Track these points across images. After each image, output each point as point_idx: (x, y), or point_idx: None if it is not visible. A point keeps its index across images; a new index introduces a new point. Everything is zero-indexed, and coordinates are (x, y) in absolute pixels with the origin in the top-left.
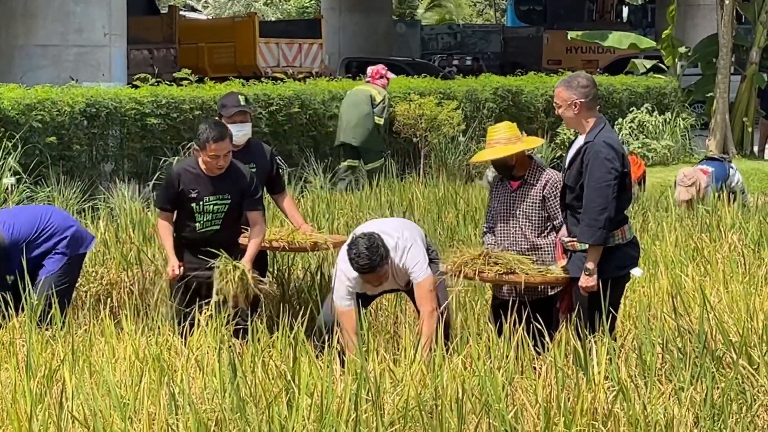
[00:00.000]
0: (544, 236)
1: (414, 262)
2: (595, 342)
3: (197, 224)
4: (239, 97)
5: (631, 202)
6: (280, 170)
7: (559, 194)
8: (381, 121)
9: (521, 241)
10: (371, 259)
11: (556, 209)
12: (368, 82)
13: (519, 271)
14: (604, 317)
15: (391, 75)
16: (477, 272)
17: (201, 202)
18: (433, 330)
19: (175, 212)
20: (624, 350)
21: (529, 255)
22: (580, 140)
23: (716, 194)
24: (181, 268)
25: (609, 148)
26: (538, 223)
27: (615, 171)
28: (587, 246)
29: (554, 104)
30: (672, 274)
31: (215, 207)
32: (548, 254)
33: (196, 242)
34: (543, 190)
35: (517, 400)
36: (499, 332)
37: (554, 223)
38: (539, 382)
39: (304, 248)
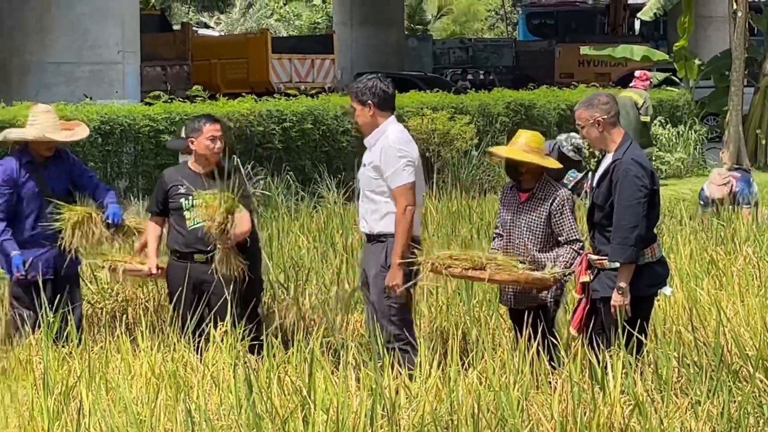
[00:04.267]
0: (546, 251)
1: (393, 167)
2: (611, 357)
3: (188, 222)
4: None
5: (658, 219)
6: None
7: (566, 212)
8: (648, 119)
9: (523, 252)
10: (354, 82)
11: (561, 226)
12: (632, 87)
13: (488, 269)
14: (619, 331)
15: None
16: (446, 267)
17: (190, 197)
18: (402, 230)
19: (167, 224)
20: (640, 364)
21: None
22: (608, 158)
23: (749, 201)
24: (160, 270)
25: (638, 165)
26: (541, 238)
27: (645, 188)
28: (617, 264)
29: (577, 126)
30: (687, 287)
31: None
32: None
33: (190, 245)
34: (550, 207)
35: (532, 415)
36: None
37: (559, 239)
38: (555, 397)
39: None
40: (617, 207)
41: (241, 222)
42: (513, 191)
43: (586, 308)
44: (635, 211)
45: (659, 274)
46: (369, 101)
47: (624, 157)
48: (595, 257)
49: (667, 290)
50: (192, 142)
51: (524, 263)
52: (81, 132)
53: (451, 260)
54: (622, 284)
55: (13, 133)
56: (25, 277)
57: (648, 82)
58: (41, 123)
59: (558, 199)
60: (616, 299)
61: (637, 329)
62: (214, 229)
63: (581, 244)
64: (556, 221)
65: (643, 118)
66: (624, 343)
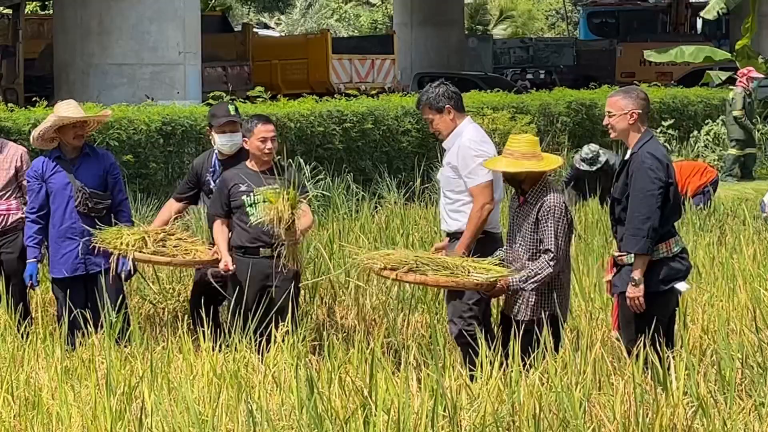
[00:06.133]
0: (536, 258)
1: (469, 167)
2: (674, 357)
3: (251, 218)
4: (229, 106)
5: (680, 215)
6: None
7: (550, 220)
8: (738, 113)
9: (517, 258)
10: (420, 94)
11: (543, 234)
12: (737, 85)
13: (431, 273)
14: (677, 329)
15: (755, 74)
16: (385, 268)
17: (252, 193)
18: (473, 226)
19: (230, 223)
20: (703, 365)
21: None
22: (628, 153)
23: None
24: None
25: (653, 158)
26: (531, 245)
27: (659, 181)
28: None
29: (606, 113)
30: (751, 287)
31: (266, 197)
32: None
33: (255, 239)
34: (537, 213)
35: (594, 416)
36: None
37: (543, 247)
38: (617, 398)
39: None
40: (631, 198)
41: (305, 216)
42: (517, 194)
43: None
44: (649, 202)
45: (675, 270)
46: (447, 106)
47: (640, 150)
48: (617, 253)
49: (682, 286)
50: (245, 142)
51: (487, 264)
52: (101, 115)
53: (385, 260)
54: (636, 275)
55: (36, 129)
56: (34, 288)
57: (745, 80)
58: (59, 110)
59: (545, 205)
60: (630, 291)
61: (653, 325)
62: (280, 226)
63: (552, 255)
64: (541, 228)
65: (735, 113)
66: (643, 339)
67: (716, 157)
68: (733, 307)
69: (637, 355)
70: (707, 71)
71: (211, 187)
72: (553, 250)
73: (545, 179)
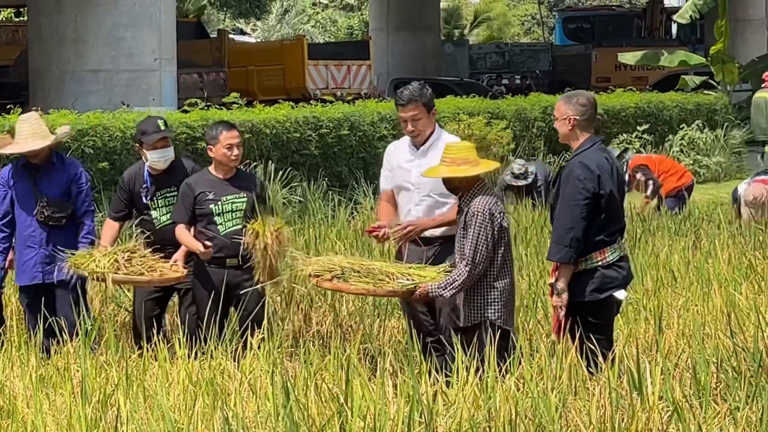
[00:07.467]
0: None
1: None
2: (649, 362)
3: (219, 227)
4: (158, 121)
5: (621, 224)
6: None
7: (471, 227)
8: None
9: (456, 263)
10: (411, 90)
11: (466, 239)
12: (763, 87)
13: (353, 280)
14: (652, 333)
15: None
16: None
17: (219, 202)
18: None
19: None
20: (678, 370)
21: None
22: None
23: None
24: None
25: (583, 167)
26: (461, 252)
27: (585, 191)
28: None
29: (552, 116)
30: (726, 292)
31: (234, 205)
32: None
33: (222, 249)
34: (464, 219)
35: (570, 421)
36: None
37: (464, 252)
38: (593, 403)
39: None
40: (558, 206)
41: (281, 237)
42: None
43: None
44: (573, 212)
45: (610, 279)
46: (434, 106)
47: (574, 158)
48: None
49: (620, 294)
50: (210, 150)
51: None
52: (57, 136)
53: (315, 265)
54: (559, 284)
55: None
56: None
57: None
58: (17, 128)
59: (470, 211)
60: (553, 300)
61: (591, 334)
62: (264, 254)
63: (467, 261)
64: (466, 233)
65: None
66: (579, 348)
67: (691, 162)
68: (708, 312)
69: (613, 360)
70: (682, 76)
71: (145, 202)
72: (469, 256)
73: (480, 185)
